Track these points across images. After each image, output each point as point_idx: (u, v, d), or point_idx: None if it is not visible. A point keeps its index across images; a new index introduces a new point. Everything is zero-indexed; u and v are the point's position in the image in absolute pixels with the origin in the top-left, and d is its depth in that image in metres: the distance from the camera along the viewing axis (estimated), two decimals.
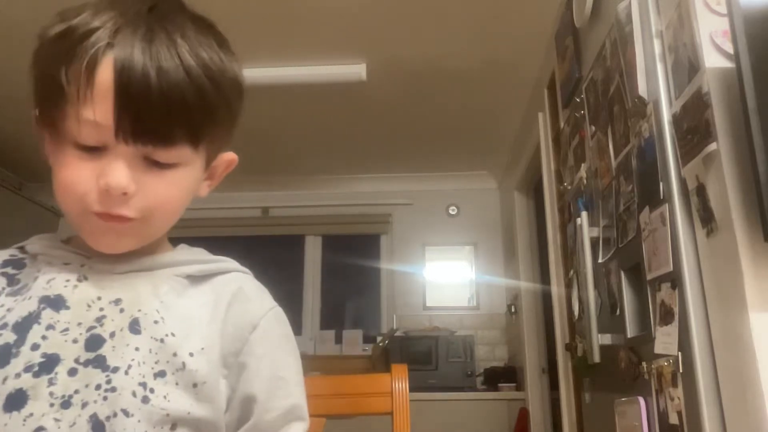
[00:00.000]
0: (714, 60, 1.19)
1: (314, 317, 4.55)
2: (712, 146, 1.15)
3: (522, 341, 3.78)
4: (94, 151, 0.61)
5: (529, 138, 3.38)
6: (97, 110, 0.58)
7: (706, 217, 1.21)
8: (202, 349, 0.65)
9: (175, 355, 0.63)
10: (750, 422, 1.07)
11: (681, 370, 1.25)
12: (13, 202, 4.23)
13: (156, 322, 0.64)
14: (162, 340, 0.63)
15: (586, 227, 1.82)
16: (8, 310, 0.64)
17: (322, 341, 4.43)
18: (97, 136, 0.60)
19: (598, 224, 1.81)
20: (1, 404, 0.58)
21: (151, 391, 0.61)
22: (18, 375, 0.59)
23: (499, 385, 3.89)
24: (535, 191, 3.82)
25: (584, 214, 1.83)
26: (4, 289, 0.67)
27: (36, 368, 0.59)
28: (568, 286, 2.38)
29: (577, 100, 2.04)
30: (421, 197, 4.66)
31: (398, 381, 1.07)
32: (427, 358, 3.97)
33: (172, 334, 0.64)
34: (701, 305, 1.24)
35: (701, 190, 1.22)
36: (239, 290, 0.71)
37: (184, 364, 0.63)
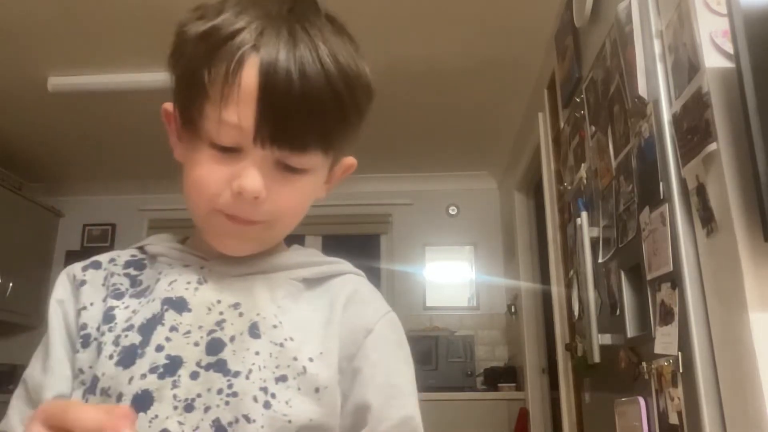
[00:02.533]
0: (714, 60, 1.19)
1: None
2: (712, 146, 1.15)
3: (522, 341, 3.78)
4: (229, 151, 0.60)
5: (529, 138, 3.38)
6: (240, 113, 0.58)
7: (706, 217, 1.21)
8: (321, 353, 0.64)
9: (295, 359, 0.62)
10: (750, 422, 1.07)
11: (681, 370, 1.25)
12: (13, 202, 4.23)
13: (275, 326, 0.64)
14: (281, 345, 0.62)
15: (586, 227, 1.82)
16: (133, 311, 0.64)
17: None
18: (235, 137, 0.59)
19: (598, 224, 1.81)
20: (128, 405, 0.58)
21: (273, 396, 0.60)
22: (143, 375, 0.59)
23: (499, 385, 3.89)
24: (535, 191, 3.82)
25: (584, 214, 1.83)
26: (127, 290, 0.67)
27: (161, 369, 0.60)
28: (568, 286, 2.38)
29: (577, 100, 2.04)
30: (421, 197, 4.66)
31: None
32: (427, 358, 3.97)
33: (291, 339, 0.63)
34: (701, 305, 1.24)
35: (701, 190, 1.22)
36: (355, 293, 0.70)
37: (304, 368, 0.62)
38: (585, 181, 1.95)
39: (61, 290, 0.69)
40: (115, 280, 0.68)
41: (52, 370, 0.64)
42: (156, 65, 3.09)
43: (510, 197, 4.14)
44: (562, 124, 2.35)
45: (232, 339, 0.62)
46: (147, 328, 0.62)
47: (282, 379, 0.61)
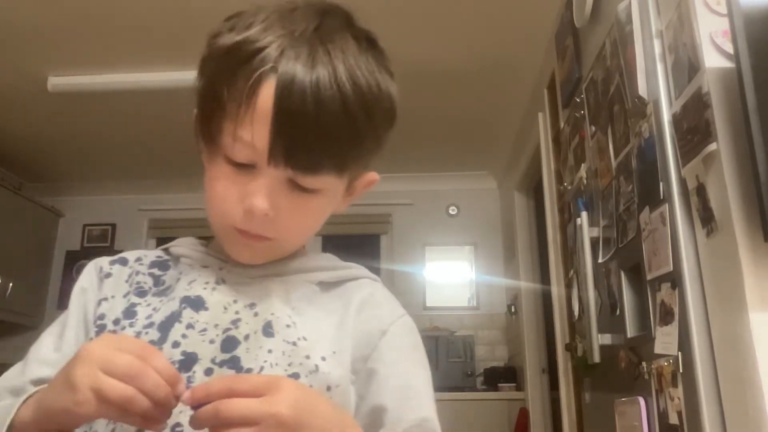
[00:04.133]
0: (714, 60, 1.19)
1: None
2: (712, 146, 1.15)
3: (522, 341, 3.78)
4: (244, 168, 0.62)
5: (529, 138, 3.38)
6: (255, 132, 0.59)
7: (706, 217, 1.21)
8: (334, 353, 0.65)
9: (307, 357, 0.63)
10: (750, 422, 1.07)
11: (681, 370, 1.25)
12: (13, 202, 4.23)
13: (288, 326, 0.65)
14: (294, 344, 0.64)
15: (586, 227, 1.82)
16: (154, 309, 0.67)
17: None
18: (249, 155, 0.61)
19: (598, 224, 1.81)
20: None
21: None
22: None
23: (499, 385, 3.89)
24: (535, 191, 3.81)
25: (584, 214, 1.83)
26: (150, 288, 0.70)
27: (176, 365, 0.61)
28: (568, 286, 2.38)
29: (577, 100, 2.04)
30: (421, 197, 4.66)
31: None
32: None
33: (304, 338, 0.65)
34: (701, 305, 1.24)
35: (701, 190, 1.22)
36: (370, 296, 0.71)
37: (317, 366, 0.63)
38: (585, 181, 1.95)
39: (86, 279, 0.72)
40: (139, 278, 0.71)
41: (62, 352, 0.67)
42: (156, 65, 3.09)
43: (510, 197, 4.14)
44: (562, 124, 2.35)
45: (247, 337, 0.64)
46: (165, 326, 0.64)
47: (294, 376, 0.62)
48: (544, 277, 3.39)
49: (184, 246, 0.73)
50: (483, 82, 3.26)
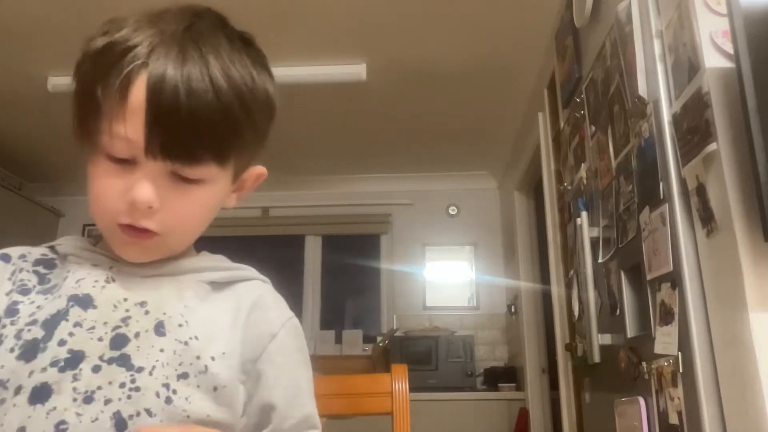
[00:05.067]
0: (714, 60, 1.19)
1: (314, 317, 4.55)
2: (712, 146, 1.15)
3: (522, 341, 3.78)
4: (125, 163, 0.63)
5: (529, 138, 3.38)
6: (128, 126, 0.61)
7: (706, 217, 1.21)
8: (224, 353, 0.66)
9: (198, 357, 0.64)
10: (750, 422, 1.07)
11: (681, 370, 1.25)
12: (13, 202, 4.23)
13: (180, 325, 0.66)
14: (186, 343, 0.65)
15: (586, 227, 1.82)
16: (38, 307, 0.66)
17: (322, 341, 4.43)
18: (127, 150, 0.62)
19: (598, 224, 1.81)
20: (27, 397, 0.59)
21: (174, 392, 0.62)
22: (44, 369, 0.60)
23: (499, 385, 3.89)
24: (535, 191, 3.82)
25: (584, 214, 1.83)
26: (35, 286, 0.69)
27: (62, 363, 0.61)
28: (568, 286, 2.38)
29: (577, 100, 2.04)
30: (421, 197, 4.66)
31: (398, 381, 1.07)
32: (427, 358, 3.97)
33: (196, 338, 0.66)
34: (701, 305, 1.24)
35: (701, 190, 1.22)
36: (260, 298, 0.73)
37: (206, 367, 0.64)
38: (585, 181, 1.95)
39: None
40: (23, 276, 0.69)
41: None
42: None
43: (510, 197, 4.14)
44: (562, 124, 2.35)
45: (137, 335, 0.64)
46: (51, 324, 0.63)
47: (183, 376, 0.63)
48: (544, 277, 3.39)
49: (71, 244, 0.73)
50: (483, 82, 3.26)
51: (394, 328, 4.26)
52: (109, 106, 0.61)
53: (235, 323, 0.69)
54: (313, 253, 4.72)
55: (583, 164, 1.98)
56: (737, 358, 1.11)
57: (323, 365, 4.08)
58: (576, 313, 2.10)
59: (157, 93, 0.60)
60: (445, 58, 3.02)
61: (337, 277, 4.66)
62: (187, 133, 0.61)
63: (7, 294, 0.68)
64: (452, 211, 4.69)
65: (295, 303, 4.51)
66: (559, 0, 2.39)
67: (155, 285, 0.69)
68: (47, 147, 4.16)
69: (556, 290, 2.82)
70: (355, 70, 3.06)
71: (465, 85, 3.28)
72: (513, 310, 4.07)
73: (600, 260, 1.78)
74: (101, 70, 0.62)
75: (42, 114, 3.62)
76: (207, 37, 0.65)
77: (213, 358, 0.65)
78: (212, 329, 0.67)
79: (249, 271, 0.76)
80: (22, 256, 0.72)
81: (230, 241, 4.51)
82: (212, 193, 0.68)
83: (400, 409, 1.05)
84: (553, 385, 3.43)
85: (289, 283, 4.58)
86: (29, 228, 4.42)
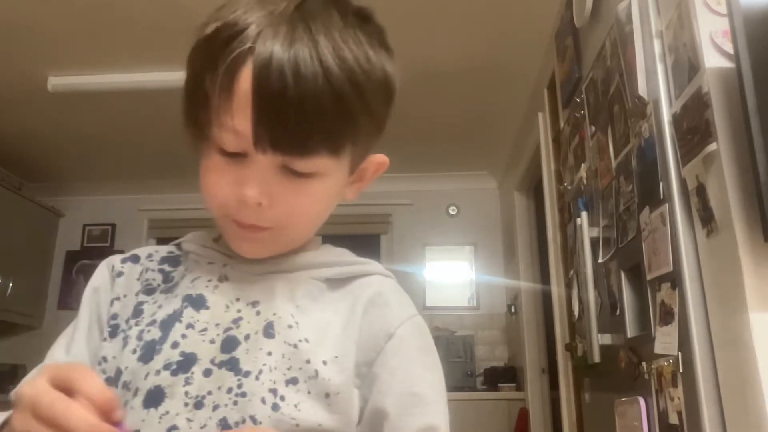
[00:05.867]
0: (714, 60, 1.19)
1: None
2: (712, 146, 1.15)
3: (522, 341, 3.78)
4: (237, 156, 0.59)
5: (529, 138, 3.38)
6: (236, 118, 0.57)
7: (706, 217, 1.21)
8: (336, 357, 0.62)
9: (308, 362, 0.60)
10: (750, 422, 1.07)
11: (681, 370, 1.25)
12: (13, 202, 4.23)
13: (290, 326, 0.62)
14: (295, 346, 0.61)
15: (586, 227, 1.82)
16: (159, 306, 0.65)
17: None
18: (237, 143, 0.58)
19: (598, 224, 1.81)
20: (141, 399, 0.59)
21: (282, 398, 0.59)
22: (158, 372, 0.60)
23: (499, 385, 3.89)
24: (535, 191, 3.82)
25: (584, 214, 1.83)
26: (159, 285, 0.68)
27: (174, 366, 0.60)
28: (568, 286, 2.38)
29: (577, 100, 2.04)
30: (421, 197, 4.66)
31: None
32: None
33: (306, 340, 0.62)
34: (701, 305, 1.24)
35: (701, 190, 1.22)
36: (378, 295, 0.67)
37: (317, 372, 0.60)
38: (585, 181, 1.95)
39: (99, 278, 0.70)
40: (149, 275, 0.69)
41: (72, 354, 0.66)
42: (156, 65, 3.09)
43: (510, 197, 4.14)
44: (562, 124, 2.35)
45: (247, 337, 0.62)
46: (166, 324, 0.63)
47: (293, 381, 0.60)
48: (544, 277, 3.39)
49: (194, 241, 0.71)
50: (483, 82, 3.26)
51: None
52: (217, 97, 0.57)
53: (349, 323, 0.64)
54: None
55: (583, 164, 1.98)
56: (737, 358, 1.11)
57: None
58: (576, 313, 2.10)
59: (263, 79, 0.55)
60: (445, 58, 3.02)
61: None
62: (296, 123, 0.56)
63: (136, 294, 0.67)
64: (452, 211, 4.69)
65: None
66: (559, 0, 2.39)
67: (269, 284, 0.65)
68: (47, 147, 4.16)
69: (556, 290, 2.82)
70: None
71: (465, 85, 3.28)
72: (513, 310, 4.07)
73: (600, 260, 1.78)
74: (210, 57, 0.58)
75: (42, 114, 3.62)
76: (319, 16, 0.59)
77: (324, 363, 0.61)
78: (324, 331, 0.63)
79: (370, 265, 0.71)
80: (149, 256, 0.71)
81: None
82: (327, 185, 0.63)
83: None
84: (553, 385, 3.43)
85: None
86: (29, 228, 4.42)
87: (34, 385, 0.47)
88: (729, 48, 1.17)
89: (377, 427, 0.61)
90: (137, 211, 4.74)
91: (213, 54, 0.57)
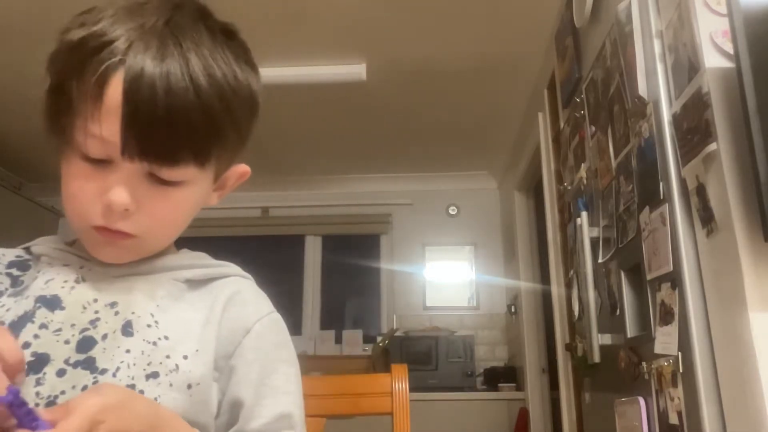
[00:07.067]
0: (714, 60, 1.19)
1: (314, 317, 4.55)
2: (712, 146, 1.15)
3: (522, 341, 3.78)
4: (101, 163, 0.60)
5: (529, 138, 3.38)
6: (104, 126, 0.58)
7: (706, 217, 1.21)
8: (197, 351, 0.64)
9: (168, 357, 0.62)
10: (750, 422, 1.06)
11: (681, 370, 1.25)
12: (13, 202, 4.23)
13: (149, 325, 0.64)
14: (155, 343, 0.63)
15: (586, 227, 1.82)
16: (7, 309, 0.64)
17: (322, 341, 4.43)
18: (103, 150, 0.60)
19: (598, 224, 1.81)
20: None
21: (141, 392, 0.60)
22: None
23: (499, 385, 3.89)
24: (535, 191, 3.81)
25: (584, 214, 1.83)
26: (7, 289, 0.67)
27: (25, 367, 0.59)
28: (568, 286, 2.38)
29: (577, 100, 2.04)
30: (421, 197, 4.66)
31: (398, 381, 1.07)
32: (427, 358, 3.97)
33: (166, 338, 0.64)
34: (701, 305, 1.24)
35: (701, 190, 1.22)
36: (236, 294, 0.70)
37: (177, 365, 0.62)
38: (585, 181, 1.95)
39: None
40: None
41: None
42: None
43: (510, 197, 4.14)
44: (562, 124, 2.35)
45: (105, 337, 0.62)
46: (16, 326, 0.62)
47: (153, 375, 0.61)
48: (544, 277, 3.39)
49: (44, 244, 0.71)
50: (483, 82, 3.26)
51: (394, 328, 4.26)
52: (84, 105, 0.59)
53: (209, 320, 0.67)
54: (313, 253, 4.71)
55: (583, 164, 1.98)
56: (737, 358, 1.11)
57: (323, 365, 4.08)
58: (576, 313, 2.10)
59: (134, 92, 0.57)
60: (445, 58, 3.02)
61: (337, 277, 4.66)
62: (165, 133, 0.59)
63: None
64: (452, 211, 4.69)
65: (295, 303, 4.52)
66: (559, 0, 2.39)
67: (127, 285, 0.67)
68: (47, 147, 4.16)
69: (556, 290, 2.82)
70: (355, 70, 3.06)
71: (465, 85, 3.28)
72: (513, 310, 4.07)
73: (600, 260, 1.78)
74: (76, 65, 0.59)
75: (42, 114, 3.62)
76: (188, 32, 0.62)
77: (185, 357, 0.63)
78: (185, 328, 0.65)
79: (229, 267, 0.74)
80: None
81: (230, 241, 4.52)
82: (191, 194, 0.65)
83: (400, 409, 1.05)
84: (553, 385, 3.43)
85: (289, 283, 4.58)
86: (29, 228, 4.42)
87: None
88: (729, 48, 1.17)
89: (234, 416, 0.65)
90: None
91: (80, 62, 0.59)
